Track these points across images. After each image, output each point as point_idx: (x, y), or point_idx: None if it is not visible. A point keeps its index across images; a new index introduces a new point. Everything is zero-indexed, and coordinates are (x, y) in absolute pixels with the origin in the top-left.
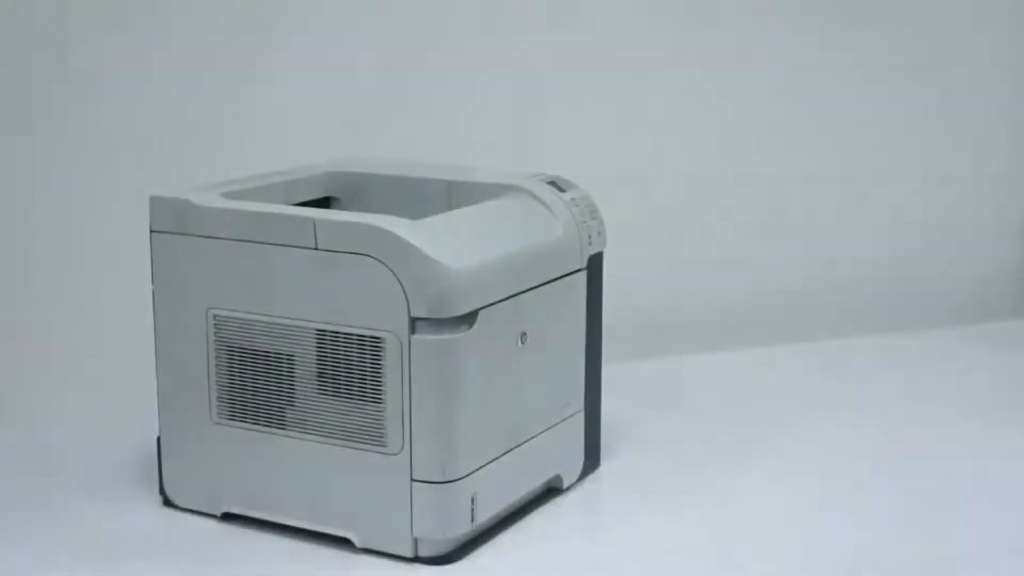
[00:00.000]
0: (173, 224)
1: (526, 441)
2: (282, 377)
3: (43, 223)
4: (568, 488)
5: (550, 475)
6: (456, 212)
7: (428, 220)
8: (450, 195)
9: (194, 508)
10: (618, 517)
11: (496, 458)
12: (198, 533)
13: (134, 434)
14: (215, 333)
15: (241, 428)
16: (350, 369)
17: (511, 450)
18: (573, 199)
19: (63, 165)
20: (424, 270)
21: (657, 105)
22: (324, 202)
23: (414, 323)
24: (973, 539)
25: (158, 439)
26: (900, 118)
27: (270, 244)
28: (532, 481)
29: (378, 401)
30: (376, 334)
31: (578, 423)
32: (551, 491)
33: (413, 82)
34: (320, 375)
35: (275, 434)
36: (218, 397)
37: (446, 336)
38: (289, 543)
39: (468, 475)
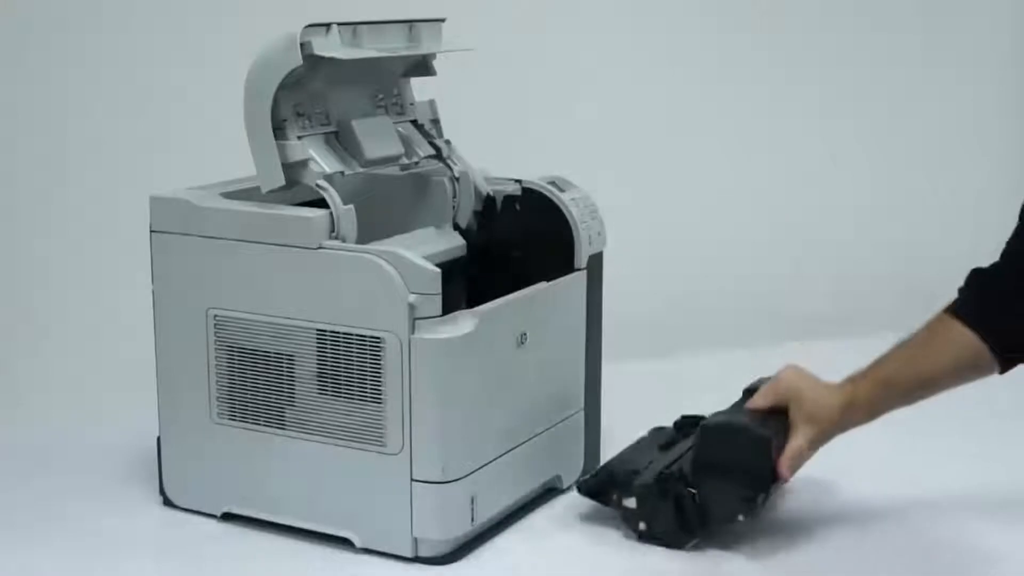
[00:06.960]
0: (173, 224)
1: (526, 441)
2: (282, 377)
3: (43, 223)
4: (568, 488)
5: (550, 475)
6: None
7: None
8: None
9: (194, 508)
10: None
11: (496, 458)
12: (198, 533)
13: (134, 434)
14: (215, 333)
15: (241, 428)
16: (350, 369)
17: (511, 450)
18: (573, 199)
19: (63, 165)
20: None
21: (657, 105)
22: (324, 202)
23: (414, 323)
24: (972, 538)
25: (158, 439)
26: (901, 118)
27: (270, 244)
28: (532, 481)
29: (378, 401)
30: (376, 334)
31: (578, 423)
32: (551, 491)
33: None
34: (320, 375)
35: (275, 434)
36: (218, 397)
37: (446, 336)
38: (289, 543)
39: (468, 475)
